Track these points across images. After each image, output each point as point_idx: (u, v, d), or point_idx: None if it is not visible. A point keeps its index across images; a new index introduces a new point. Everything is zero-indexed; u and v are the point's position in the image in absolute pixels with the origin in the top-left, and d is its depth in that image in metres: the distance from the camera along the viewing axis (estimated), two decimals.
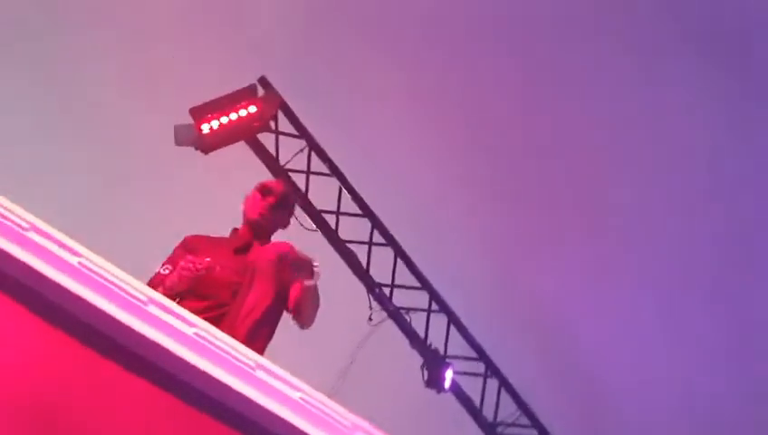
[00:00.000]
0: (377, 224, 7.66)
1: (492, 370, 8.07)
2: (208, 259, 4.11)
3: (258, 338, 3.84)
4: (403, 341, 7.89)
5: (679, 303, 8.18)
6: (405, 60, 7.93)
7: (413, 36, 7.94)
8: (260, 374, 2.66)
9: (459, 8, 7.94)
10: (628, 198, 8.35)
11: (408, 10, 8.01)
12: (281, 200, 4.38)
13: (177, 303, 3.85)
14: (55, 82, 7.36)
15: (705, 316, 8.02)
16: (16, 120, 7.18)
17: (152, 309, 2.61)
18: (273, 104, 6.64)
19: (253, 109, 6.42)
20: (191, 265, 4.06)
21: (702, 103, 7.88)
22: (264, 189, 4.40)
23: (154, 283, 4.06)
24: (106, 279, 2.60)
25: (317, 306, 4.17)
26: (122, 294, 2.59)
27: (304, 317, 4.17)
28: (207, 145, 6.34)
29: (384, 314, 7.71)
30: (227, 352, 2.65)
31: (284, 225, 4.43)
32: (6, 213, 2.61)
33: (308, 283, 4.06)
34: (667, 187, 8.18)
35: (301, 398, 2.66)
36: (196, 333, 2.61)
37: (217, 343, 2.66)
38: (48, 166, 7.14)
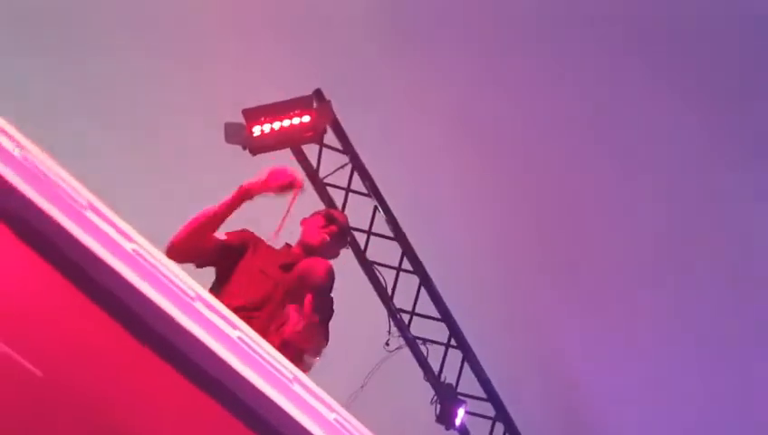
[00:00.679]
0: (407, 250, 7.62)
1: (501, 414, 8.01)
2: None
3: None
4: (416, 371, 7.84)
5: (699, 363, 8.15)
6: (462, 92, 7.94)
7: (472, 69, 7.94)
8: (296, 388, 2.61)
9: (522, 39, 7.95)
10: (654, 256, 8.33)
11: (469, 45, 8.03)
12: (343, 232, 4.48)
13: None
14: (113, 82, 7.45)
15: (726, 377, 7.99)
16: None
17: (199, 306, 2.57)
18: (326, 117, 6.64)
19: (306, 118, 6.43)
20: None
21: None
22: (329, 217, 4.48)
23: None
24: (157, 269, 2.57)
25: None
26: (172, 287, 2.55)
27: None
28: (256, 147, 6.35)
29: (401, 340, 7.67)
30: (267, 361, 2.61)
31: (336, 255, 4.47)
32: (67, 188, 2.57)
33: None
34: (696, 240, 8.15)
35: (335, 420, 2.62)
36: (239, 337, 2.57)
37: (258, 349, 2.62)
38: (96, 159, 7.18)
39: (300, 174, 4.39)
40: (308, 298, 3.95)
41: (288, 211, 4.24)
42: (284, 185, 4.17)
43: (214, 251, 4.19)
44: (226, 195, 4.24)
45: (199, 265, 4.18)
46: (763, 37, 7.70)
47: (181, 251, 4.00)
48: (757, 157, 7.90)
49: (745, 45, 7.74)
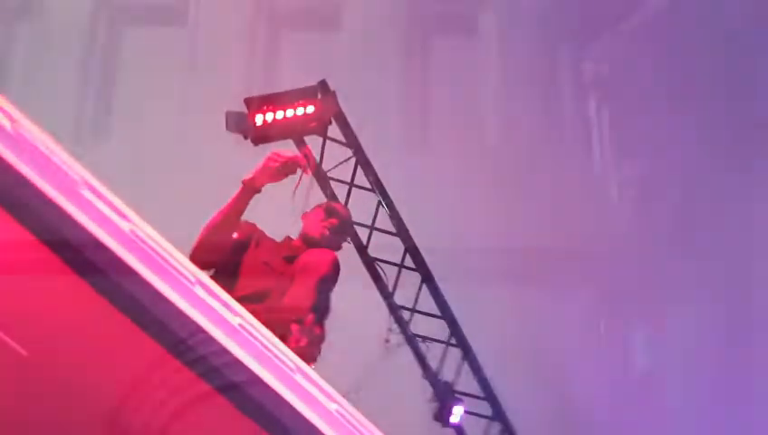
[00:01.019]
0: (409, 246, 7.51)
1: (498, 413, 7.92)
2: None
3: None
4: (414, 368, 7.75)
5: (698, 362, 8.11)
6: (468, 89, 7.89)
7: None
8: (298, 378, 2.50)
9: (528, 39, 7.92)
10: (654, 256, 8.29)
11: (475, 42, 7.99)
12: (343, 225, 4.41)
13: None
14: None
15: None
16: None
17: (199, 291, 2.46)
18: (331, 108, 6.50)
19: (310, 109, 6.27)
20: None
21: None
22: (329, 210, 4.41)
23: None
24: (156, 251, 2.45)
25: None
26: (171, 270, 2.43)
27: None
28: (258, 136, 6.17)
29: (401, 337, 7.57)
30: (268, 349, 2.50)
31: (338, 247, 4.37)
32: (63, 166, 2.45)
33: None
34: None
35: (336, 410, 2.50)
36: (240, 325, 2.46)
37: (260, 337, 2.51)
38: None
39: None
40: (310, 317, 3.86)
41: (300, 180, 4.14)
42: (287, 162, 4.06)
43: (231, 251, 4.10)
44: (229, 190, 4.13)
45: (223, 268, 4.07)
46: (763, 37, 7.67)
47: (203, 257, 3.89)
48: (757, 156, 7.88)
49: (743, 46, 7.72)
